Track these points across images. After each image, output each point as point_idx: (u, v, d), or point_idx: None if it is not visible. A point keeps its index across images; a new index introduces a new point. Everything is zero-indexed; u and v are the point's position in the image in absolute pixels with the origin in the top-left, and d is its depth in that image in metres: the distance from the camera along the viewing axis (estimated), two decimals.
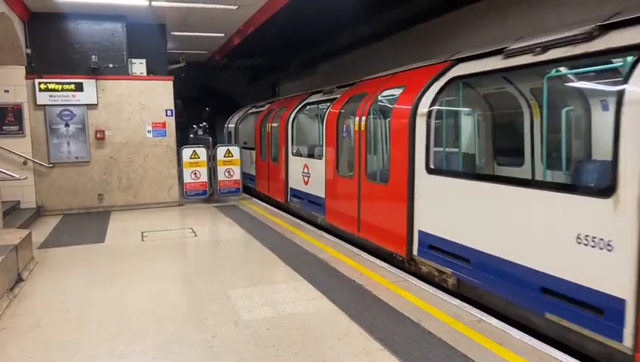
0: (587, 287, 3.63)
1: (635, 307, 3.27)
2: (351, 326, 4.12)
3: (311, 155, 9.22)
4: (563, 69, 4.61)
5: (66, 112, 9.76)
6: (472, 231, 4.89)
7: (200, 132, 27.27)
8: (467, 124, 6.33)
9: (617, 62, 3.93)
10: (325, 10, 9.88)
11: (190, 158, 10.48)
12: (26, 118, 9.46)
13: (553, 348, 3.63)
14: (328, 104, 8.62)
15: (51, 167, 9.73)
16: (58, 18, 9.59)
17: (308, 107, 10.11)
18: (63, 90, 9.67)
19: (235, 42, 12.69)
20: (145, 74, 10.28)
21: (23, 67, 9.41)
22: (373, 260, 6.10)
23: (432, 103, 5.49)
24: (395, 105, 6.18)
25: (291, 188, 10.07)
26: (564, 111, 5.21)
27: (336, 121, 7.86)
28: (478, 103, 6.44)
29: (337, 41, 12.76)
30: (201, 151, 10.58)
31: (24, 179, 8.19)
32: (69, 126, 9.80)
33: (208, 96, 25.16)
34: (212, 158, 10.71)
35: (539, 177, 5.57)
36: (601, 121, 5.24)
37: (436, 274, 5.51)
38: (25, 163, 9.44)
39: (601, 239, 3.50)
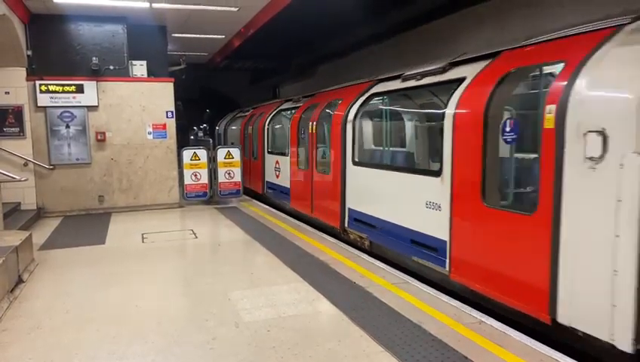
0: (430, 236, 5.48)
1: (449, 245, 5.12)
2: (351, 327, 4.12)
3: (281, 153, 10.98)
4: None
5: (67, 114, 9.77)
6: (376, 205, 6.78)
7: (200, 133, 27.28)
8: (382, 128, 8.09)
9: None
10: (325, 12, 9.91)
11: (190, 160, 10.48)
12: (27, 120, 9.47)
13: (554, 350, 3.64)
14: (294, 110, 10.34)
15: (52, 168, 9.73)
16: (59, 20, 9.61)
17: (281, 113, 11.76)
18: (63, 91, 9.68)
19: (235, 44, 12.72)
20: (145, 75, 10.29)
21: (24, 69, 9.42)
22: (374, 262, 6.10)
23: (357, 112, 7.34)
24: (334, 114, 7.99)
25: (267, 181, 11.82)
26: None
27: (297, 125, 9.69)
28: (394, 111, 8.21)
29: (338, 43, 12.79)
30: (202, 153, 10.57)
31: (25, 180, 8.18)
32: (69, 127, 9.81)
33: (209, 97, 25.17)
34: (212, 160, 10.72)
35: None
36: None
37: (358, 239, 7.30)
38: (25, 164, 9.45)
39: (436, 203, 5.34)
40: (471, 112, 4.83)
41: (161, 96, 10.38)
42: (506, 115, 4.82)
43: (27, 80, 9.46)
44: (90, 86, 9.83)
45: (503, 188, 5.11)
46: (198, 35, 11.91)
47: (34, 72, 9.53)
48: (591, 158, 3.54)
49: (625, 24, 3.89)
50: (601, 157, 3.47)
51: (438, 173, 5.28)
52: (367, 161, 7.59)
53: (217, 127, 19.60)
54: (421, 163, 7.37)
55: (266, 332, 4.04)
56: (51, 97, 9.61)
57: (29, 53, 9.42)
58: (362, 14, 9.98)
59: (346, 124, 7.46)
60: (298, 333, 4.01)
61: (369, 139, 8.18)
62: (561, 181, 3.77)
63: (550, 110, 3.87)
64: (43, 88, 9.53)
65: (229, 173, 10.80)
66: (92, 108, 9.92)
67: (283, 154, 10.67)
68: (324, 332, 4.08)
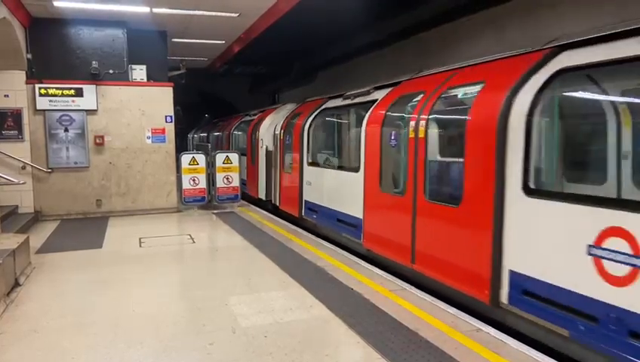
0: (243, 179, 12.69)
1: (244, 182, 13.07)
2: (349, 334, 4.11)
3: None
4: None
5: (66, 117, 9.77)
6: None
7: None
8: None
9: None
10: (326, 18, 9.95)
11: (189, 165, 10.48)
12: (26, 123, 9.47)
13: (551, 359, 3.64)
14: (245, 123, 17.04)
15: (50, 172, 9.73)
16: (59, 24, 9.64)
17: (217, 124, 19.05)
18: (63, 95, 9.69)
19: (235, 49, 12.75)
20: (145, 80, 10.32)
21: (24, 72, 9.44)
22: (372, 268, 6.10)
23: (236, 129, 15.90)
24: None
25: None
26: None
27: (229, 133, 16.61)
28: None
29: (338, 49, 12.81)
30: (200, 158, 10.59)
31: (22, 183, 8.20)
32: (68, 131, 9.81)
33: (208, 102, 25.21)
34: (211, 165, 10.73)
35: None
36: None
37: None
38: (24, 168, 9.44)
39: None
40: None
41: (161, 101, 10.40)
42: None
43: (27, 83, 9.47)
44: (89, 90, 9.84)
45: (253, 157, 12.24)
46: (198, 40, 11.95)
47: (34, 76, 9.54)
48: (261, 146, 11.70)
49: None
50: (262, 145, 11.67)
51: (245, 153, 12.75)
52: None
53: (188, 135, 25.65)
54: (240, 149, 13.80)
55: (263, 337, 4.03)
56: (50, 101, 9.62)
57: (29, 56, 9.44)
58: (362, 21, 10.02)
59: (230, 135, 15.72)
60: (295, 339, 4.00)
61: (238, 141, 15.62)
62: (261, 153, 11.71)
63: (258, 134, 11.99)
64: (42, 92, 9.54)
65: (227, 178, 10.82)
66: (91, 112, 9.94)
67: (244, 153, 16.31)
68: (322, 338, 4.07)
